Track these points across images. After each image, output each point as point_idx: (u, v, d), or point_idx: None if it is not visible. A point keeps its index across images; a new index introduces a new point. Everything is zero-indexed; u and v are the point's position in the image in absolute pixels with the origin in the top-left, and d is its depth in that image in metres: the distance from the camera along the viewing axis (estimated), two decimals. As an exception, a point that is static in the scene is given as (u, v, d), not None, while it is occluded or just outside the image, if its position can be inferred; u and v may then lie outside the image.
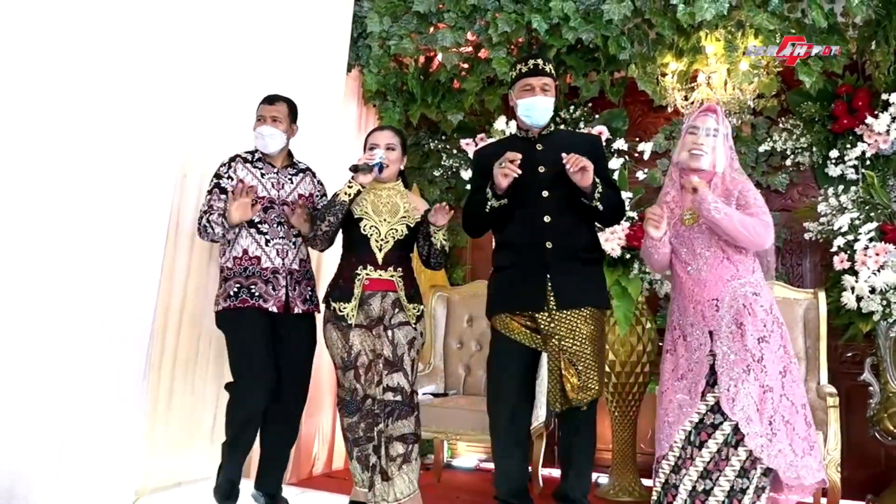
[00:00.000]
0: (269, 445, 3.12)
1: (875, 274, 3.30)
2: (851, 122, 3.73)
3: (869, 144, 3.66)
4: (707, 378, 2.53)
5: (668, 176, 2.84)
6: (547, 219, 2.72)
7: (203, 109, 3.37)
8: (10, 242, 2.72)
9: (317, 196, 3.23)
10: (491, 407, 2.82)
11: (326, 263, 4.08)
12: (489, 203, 2.73)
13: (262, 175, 3.12)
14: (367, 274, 3.01)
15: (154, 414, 3.26)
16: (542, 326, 2.70)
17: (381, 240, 3.04)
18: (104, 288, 2.95)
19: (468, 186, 4.22)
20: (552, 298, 2.67)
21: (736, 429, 2.45)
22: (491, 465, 4.34)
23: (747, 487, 2.43)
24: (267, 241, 3.04)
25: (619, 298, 3.50)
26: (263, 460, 3.14)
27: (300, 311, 3.06)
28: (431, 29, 4.22)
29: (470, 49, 4.31)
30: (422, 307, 3.10)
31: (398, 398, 2.94)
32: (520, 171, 2.63)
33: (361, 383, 3.00)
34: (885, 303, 3.28)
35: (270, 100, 3.14)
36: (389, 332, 2.96)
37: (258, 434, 3.06)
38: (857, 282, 3.34)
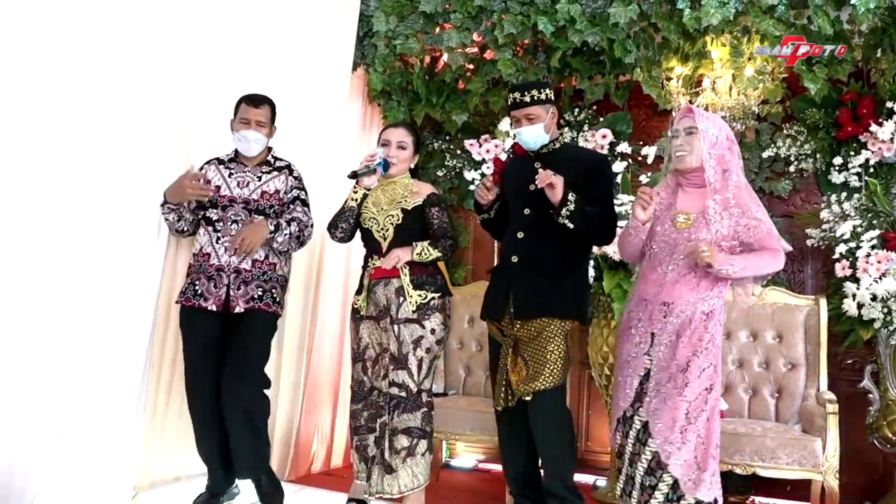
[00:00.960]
0: (231, 435, 2.98)
1: (876, 282, 3.31)
2: (856, 130, 3.73)
3: (873, 152, 3.66)
4: (641, 378, 2.66)
5: (662, 180, 2.88)
6: (520, 235, 2.89)
7: (208, 108, 3.37)
8: (11, 239, 2.72)
9: (284, 192, 3.13)
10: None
11: (328, 269, 4.10)
12: (480, 216, 3.06)
13: (230, 174, 3.11)
14: (374, 263, 3.08)
15: (153, 409, 3.26)
16: (505, 332, 2.90)
17: (382, 229, 3.08)
18: (105, 284, 2.95)
19: (471, 187, 4.25)
20: (511, 309, 2.85)
21: (646, 427, 2.60)
22: (489, 466, 4.37)
23: (655, 485, 2.55)
24: (218, 239, 3.02)
25: (620, 302, 3.50)
26: (231, 450, 3.00)
27: (242, 310, 2.97)
28: (437, 29, 4.23)
29: (475, 50, 4.31)
30: (433, 296, 3.05)
31: (402, 394, 2.96)
32: (489, 197, 2.90)
33: (368, 375, 3.09)
34: (885, 310, 3.28)
35: (255, 102, 3.08)
36: (396, 328, 2.99)
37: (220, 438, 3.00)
38: (858, 289, 3.35)
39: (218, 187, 3.07)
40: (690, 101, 3.96)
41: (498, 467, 3.76)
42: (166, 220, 3.06)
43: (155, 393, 3.26)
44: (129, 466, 3.06)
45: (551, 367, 2.76)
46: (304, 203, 3.15)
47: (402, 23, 4.24)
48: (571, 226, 2.71)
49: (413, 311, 3.00)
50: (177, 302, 3.07)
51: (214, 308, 2.96)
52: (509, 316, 2.86)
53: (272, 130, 3.18)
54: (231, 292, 2.97)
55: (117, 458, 3.00)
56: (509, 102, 2.91)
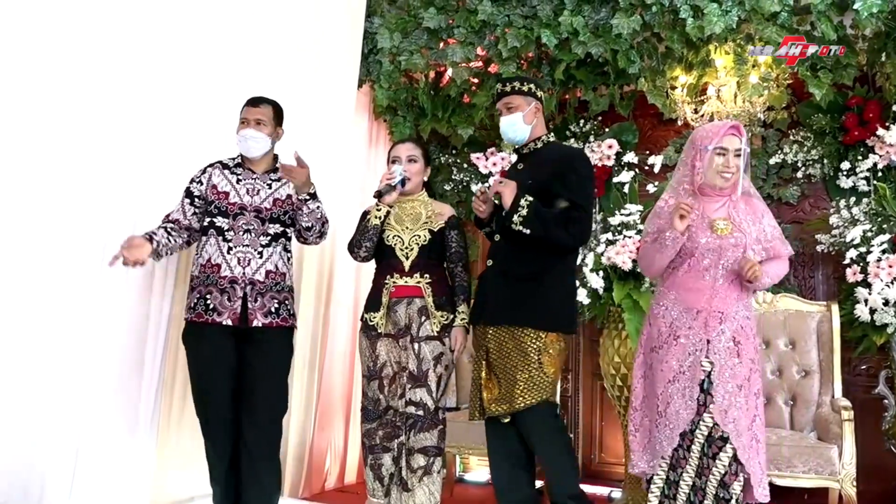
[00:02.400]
0: (245, 461, 2.88)
1: (888, 286, 3.29)
2: (862, 134, 3.73)
3: (880, 156, 3.65)
4: (701, 385, 2.58)
5: (672, 187, 2.77)
6: (496, 237, 2.90)
7: (215, 124, 3.40)
8: (28, 252, 2.74)
9: (295, 196, 2.98)
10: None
11: (337, 284, 4.11)
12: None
13: (238, 181, 2.97)
14: (395, 282, 3.06)
15: (167, 428, 3.26)
16: (478, 339, 2.89)
17: (406, 248, 3.08)
18: (118, 303, 2.97)
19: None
20: (483, 314, 2.85)
21: (709, 439, 2.53)
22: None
23: (731, 499, 2.48)
24: (230, 249, 2.87)
25: (630, 312, 3.49)
26: (243, 477, 2.89)
27: (260, 325, 2.85)
28: (441, 44, 4.25)
29: (480, 64, 4.33)
30: (452, 316, 3.06)
31: (420, 412, 2.96)
32: (484, 209, 2.89)
33: (385, 394, 3.05)
34: (898, 315, 3.26)
35: (254, 102, 2.99)
36: (416, 346, 2.99)
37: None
38: (870, 294, 3.33)
39: (226, 193, 2.94)
40: (696, 110, 3.97)
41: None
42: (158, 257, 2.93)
43: (168, 410, 3.27)
44: (145, 485, 3.07)
45: (523, 387, 2.69)
46: (316, 198, 2.99)
47: (406, 39, 4.27)
48: (527, 231, 2.68)
49: (436, 331, 3.02)
50: (185, 318, 2.91)
51: (230, 322, 2.81)
52: (483, 322, 2.85)
53: (277, 132, 3.03)
54: (248, 304, 2.84)
55: (132, 477, 3.01)
56: (494, 96, 2.93)
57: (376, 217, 3.04)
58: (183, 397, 3.34)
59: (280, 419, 2.94)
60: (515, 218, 2.68)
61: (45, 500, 2.73)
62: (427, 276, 3.06)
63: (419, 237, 3.08)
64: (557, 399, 2.77)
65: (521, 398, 2.70)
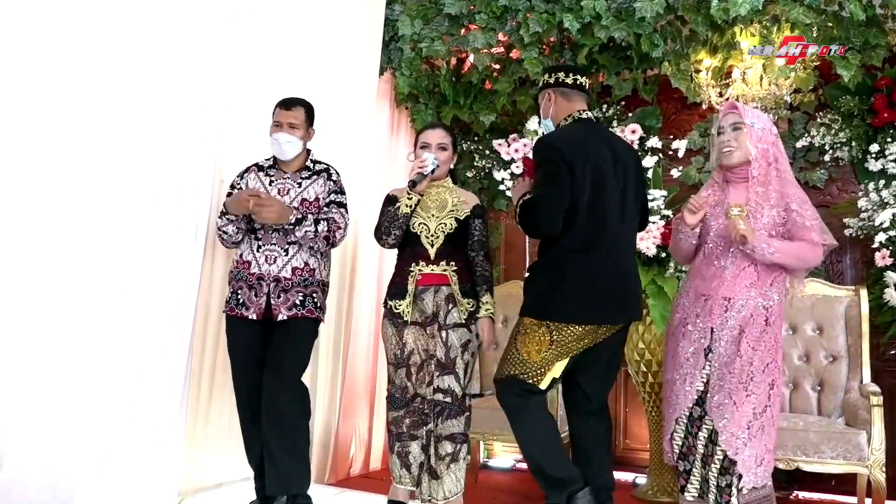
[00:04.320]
0: (264, 446, 2.97)
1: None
2: (892, 116, 3.66)
3: (910, 138, 3.59)
4: (700, 373, 2.64)
5: (710, 179, 2.87)
6: None
7: (238, 114, 3.42)
8: (53, 248, 2.79)
9: (324, 199, 3.11)
10: None
11: (361, 272, 4.12)
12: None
13: (271, 182, 3.10)
14: (420, 269, 3.04)
15: (195, 416, 3.31)
16: None
17: (432, 235, 3.07)
18: (145, 292, 3.00)
19: (500, 187, 4.24)
20: None
21: (711, 433, 2.59)
22: (526, 465, 4.34)
23: (730, 483, 2.53)
24: (259, 247, 3.03)
25: (654, 297, 3.47)
26: (265, 461, 2.98)
27: (284, 318, 2.97)
28: (463, 31, 4.23)
29: (501, 50, 4.31)
30: (478, 304, 3.08)
31: (448, 399, 2.97)
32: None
33: (412, 382, 3.05)
34: (920, 300, 3.21)
35: (287, 105, 3.09)
36: (444, 333, 2.99)
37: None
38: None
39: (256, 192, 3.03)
40: (721, 94, 3.91)
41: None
42: (224, 232, 3.04)
43: (196, 399, 3.32)
44: (174, 472, 3.11)
45: (501, 363, 2.78)
46: (341, 205, 3.12)
47: (427, 26, 4.26)
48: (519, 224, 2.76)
49: (463, 319, 3.03)
50: (224, 311, 3.10)
51: (255, 317, 2.98)
52: None
53: (309, 133, 3.16)
54: (272, 301, 2.97)
55: (161, 465, 3.05)
56: (569, 81, 2.89)
57: (407, 206, 3.02)
58: (209, 387, 3.38)
59: (293, 390, 2.99)
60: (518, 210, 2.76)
61: (76, 489, 2.78)
62: (453, 263, 3.05)
63: (445, 225, 3.07)
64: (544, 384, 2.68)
65: (497, 374, 2.76)
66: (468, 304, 3.04)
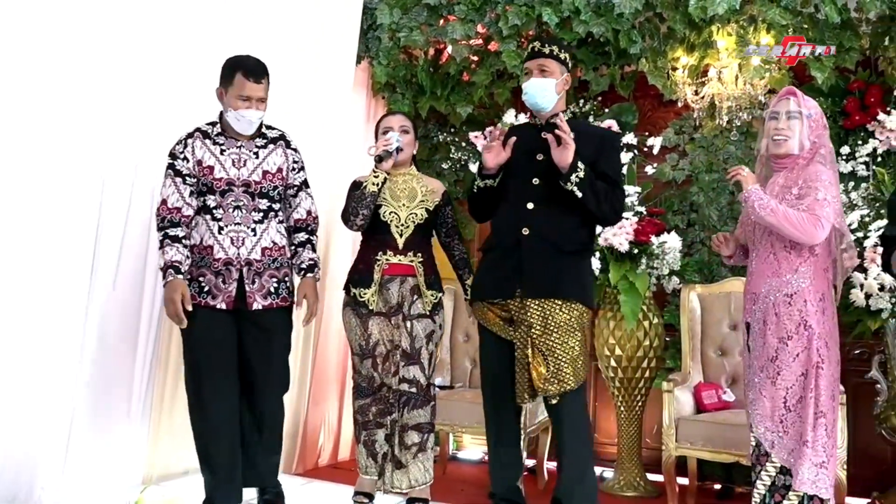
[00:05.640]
0: (251, 445, 2.87)
1: (883, 272, 3.29)
2: (863, 119, 3.71)
3: (880, 141, 3.64)
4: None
5: (756, 169, 2.76)
6: (530, 206, 2.67)
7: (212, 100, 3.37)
8: (17, 233, 2.73)
9: (288, 170, 2.87)
10: (483, 402, 2.82)
11: (334, 260, 4.09)
12: (476, 182, 2.77)
13: (222, 151, 2.77)
14: (388, 259, 3.02)
15: (161, 402, 3.27)
16: (512, 314, 2.66)
17: (402, 225, 3.04)
18: (108, 278, 2.96)
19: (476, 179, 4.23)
20: (522, 286, 2.62)
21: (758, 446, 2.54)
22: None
23: (759, 473, 2.50)
24: (220, 229, 2.72)
25: (626, 293, 3.49)
26: (248, 458, 2.87)
27: (260, 307, 2.74)
28: (441, 21, 4.21)
29: (480, 42, 4.30)
30: (441, 295, 3.08)
31: (413, 390, 2.97)
32: (498, 160, 2.68)
33: (379, 372, 3.04)
34: (893, 300, 3.26)
35: (257, 76, 2.72)
36: (408, 324, 2.99)
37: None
38: (865, 279, 3.32)
39: (211, 168, 2.74)
40: (696, 92, 3.93)
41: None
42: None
43: (163, 386, 3.27)
44: (138, 459, 3.08)
45: (575, 365, 2.57)
46: (308, 185, 2.95)
47: (406, 15, 4.23)
48: (580, 194, 2.55)
49: (427, 310, 3.02)
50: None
51: (224, 307, 2.71)
52: (519, 296, 2.62)
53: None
54: (246, 287, 2.72)
55: (125, 452, 3.02)
56: (528, 52, 2.75)
57: (374, 184, 2.94)
58: (177, 373, 3.33)
59: (281, 395, 2.94)
60: (573, 178, 2.53)
61: (38, 475, 2.73)
62: (420, 254, 3.04)
63: (416, 215, 3.06)
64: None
65: (572, 377, 2.57)
66: (432, 296, 3.03)
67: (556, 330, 2.58)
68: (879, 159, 3.69)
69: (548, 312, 2.59)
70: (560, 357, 2.57)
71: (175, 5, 3.20)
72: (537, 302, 2.60)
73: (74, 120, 2.86)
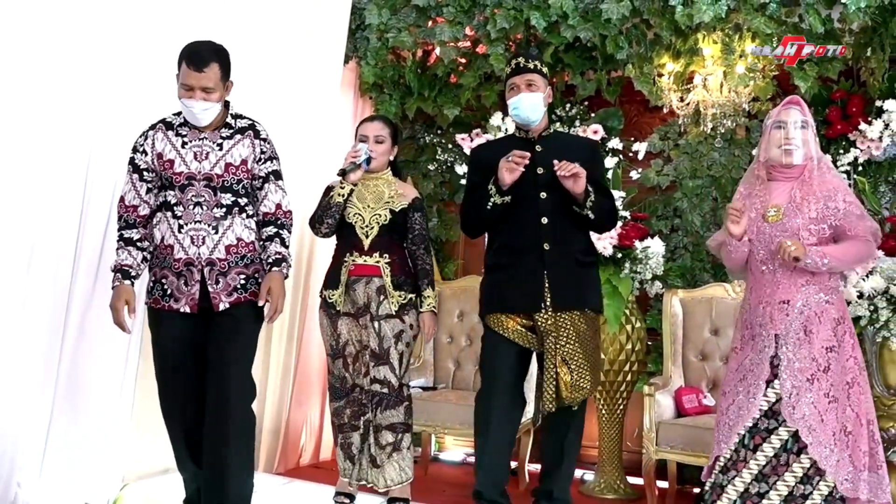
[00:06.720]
0: (208, 467, 2.58)
1: (863, 279, 3.32)
2: (845, 128, 3.75)
3: (861, 150, 3.68)
4: (767, 382, 2.47)
5: (749, 172, 2.74)
6: (544, 220, 2.74)
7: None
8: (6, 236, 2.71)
9: (254, 161, 2.63)
10: (482, 404, 2.81)
11: (317, 260, 4.09)
12: (492, 200, 2.72)
13: (184, 144, 2.57)
14: (354, 260, 3.04)
15: (142, 400, 3.24)
16: (539, 325, 2.71)
17: (366, 226, 3.06)
18: (88, 277, 2.94)
19: (462, 181, 4.24)
20: (549, 299, 2.70)
21: (796, 436, 2.40)
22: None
23: (810, 493, 2.38)
24: (180, 227, 2.54)
25: (609, 297, 3.51)
26: (205, 483, 2.62)
27: (227, 306, 2.55)
28: (430, 23, 4.22)
29: (468, 44, 4.31)
30: (410, 296, 3.07)
31: (384, 390, 2.98)
32: (523, 168, 2.65)
33: (350, 372, 3.07)
34: (872, 308, 3.29)
35: (198, 64, 2.45)
36: (376, 324, 3.00)
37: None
38: (845, 287, 3.36)
39: (171, 162, 2.56)
40: (682, 98, 3.97)
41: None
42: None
43: (143, 383, 3.25)
44: (118, 458, 3.05)
45: (595, 372, 2.73)
46: (278, 176, 2.68)
47: (395, 16, 4.24)
48: (592, 216, 2.71)
49: (394, 311, 3.02)
50: (145, 303, 2.67)
51: (188, 310, 2.54)
52: (548, 309, 2.70)
53: (227, 88, 2.59)
54: (210, 288, 2.53)
55: (105, 450, 2.99)
56: (511, 67, 2.81)
57: (339, 195, 3.01)
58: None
59: (245, 405, 2.61)
60: (588, 203, 2.67)
61: (15, 473, 2.71)
62: (386, 255, 3.05)
63: (380, 216, 3.07)
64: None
65: (591, 384, 2.71)
66: (399, 296, 3.03)
67: (580, 339, 2.71)
68: (860, 168, 3.73)
69: (576, 323, 2.72)
70: (582, 366, 2.69)
71: (165, 2, 3.18)
72: (567, 314, 2.71)
73: (60, 109, 2.85)
